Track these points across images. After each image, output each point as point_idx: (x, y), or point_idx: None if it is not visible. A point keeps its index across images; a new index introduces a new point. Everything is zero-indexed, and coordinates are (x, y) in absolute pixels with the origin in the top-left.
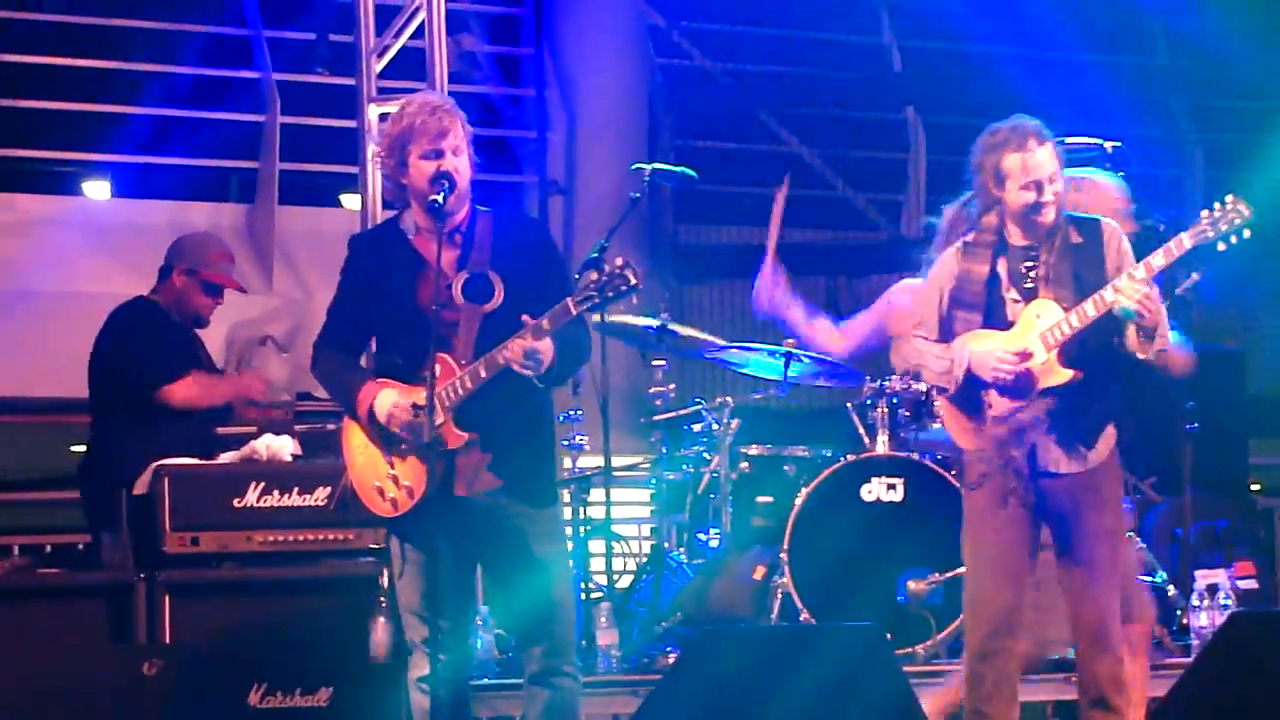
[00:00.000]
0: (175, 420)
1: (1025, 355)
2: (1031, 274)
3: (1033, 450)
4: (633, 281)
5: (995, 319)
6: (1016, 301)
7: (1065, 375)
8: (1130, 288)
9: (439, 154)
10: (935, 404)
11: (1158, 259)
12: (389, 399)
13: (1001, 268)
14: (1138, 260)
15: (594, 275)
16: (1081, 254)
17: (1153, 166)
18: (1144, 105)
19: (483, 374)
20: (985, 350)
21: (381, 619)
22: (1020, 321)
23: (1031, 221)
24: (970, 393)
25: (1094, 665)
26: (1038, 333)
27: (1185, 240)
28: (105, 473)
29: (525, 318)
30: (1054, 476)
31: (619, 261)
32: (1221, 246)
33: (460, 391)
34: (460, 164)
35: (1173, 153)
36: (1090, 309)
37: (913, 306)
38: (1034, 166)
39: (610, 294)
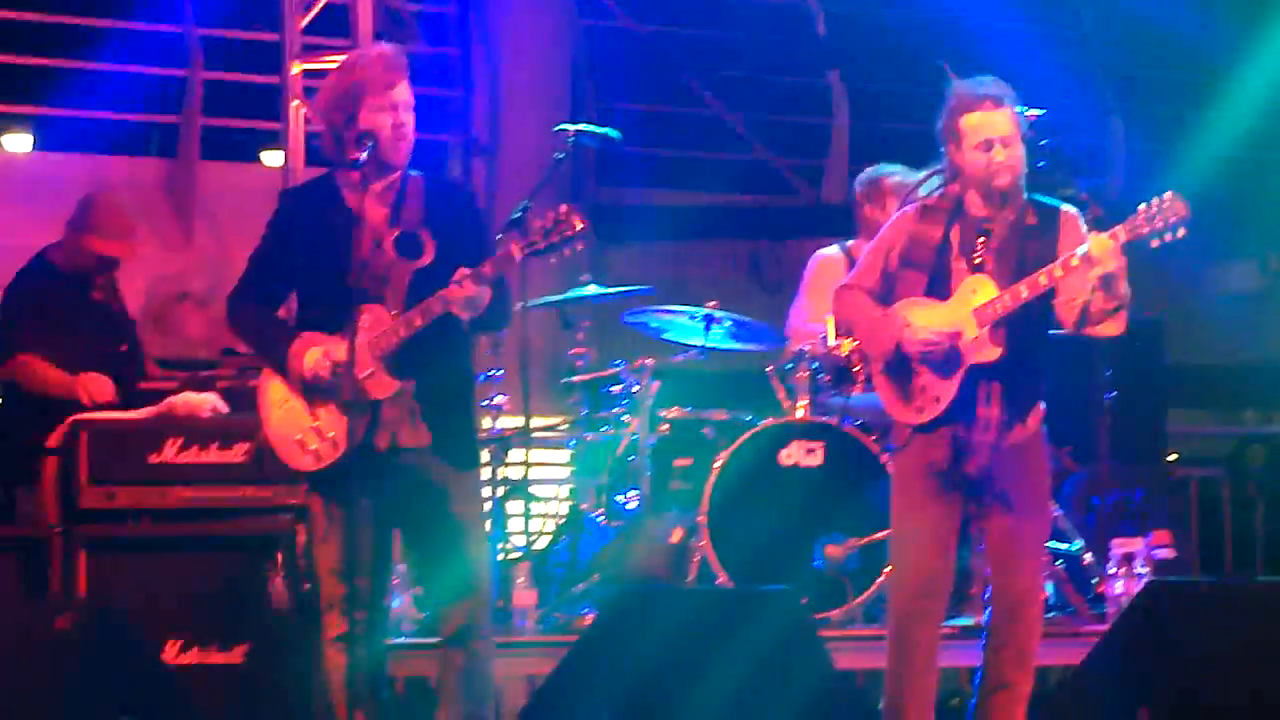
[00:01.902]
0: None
1: (955, 333)
2: (981, 246)
3: (960, 421)
4: (579, 228)
5: (939, 285)
6: (963, 271)
7: (994, 353)
8: (1105, 253)
9: (394, 107)
10: (855, 369)
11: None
12: (315, 353)
13: (954, 236)
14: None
15: (538, 221)
16: (1033, 235)
17: (1076, 136)
18: (1068, 74)
19: (418, 322)
20: (917, 324)
21: (279, 576)
22: (955, 296)
23: (989, 188)
24: (900, 363)
25: (1007, 636)
26: (971, 309)
27: (1121, 234)
28: (13, 429)
29: (462, 271)
30: (987, 451)
31: (563, 209)
32: (1155, 244)
33: (394, 339)
34: (410, 120)
35: (1096, 123)
36: (1024, 290)
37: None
38: (985, 126)
39: (556, 240)
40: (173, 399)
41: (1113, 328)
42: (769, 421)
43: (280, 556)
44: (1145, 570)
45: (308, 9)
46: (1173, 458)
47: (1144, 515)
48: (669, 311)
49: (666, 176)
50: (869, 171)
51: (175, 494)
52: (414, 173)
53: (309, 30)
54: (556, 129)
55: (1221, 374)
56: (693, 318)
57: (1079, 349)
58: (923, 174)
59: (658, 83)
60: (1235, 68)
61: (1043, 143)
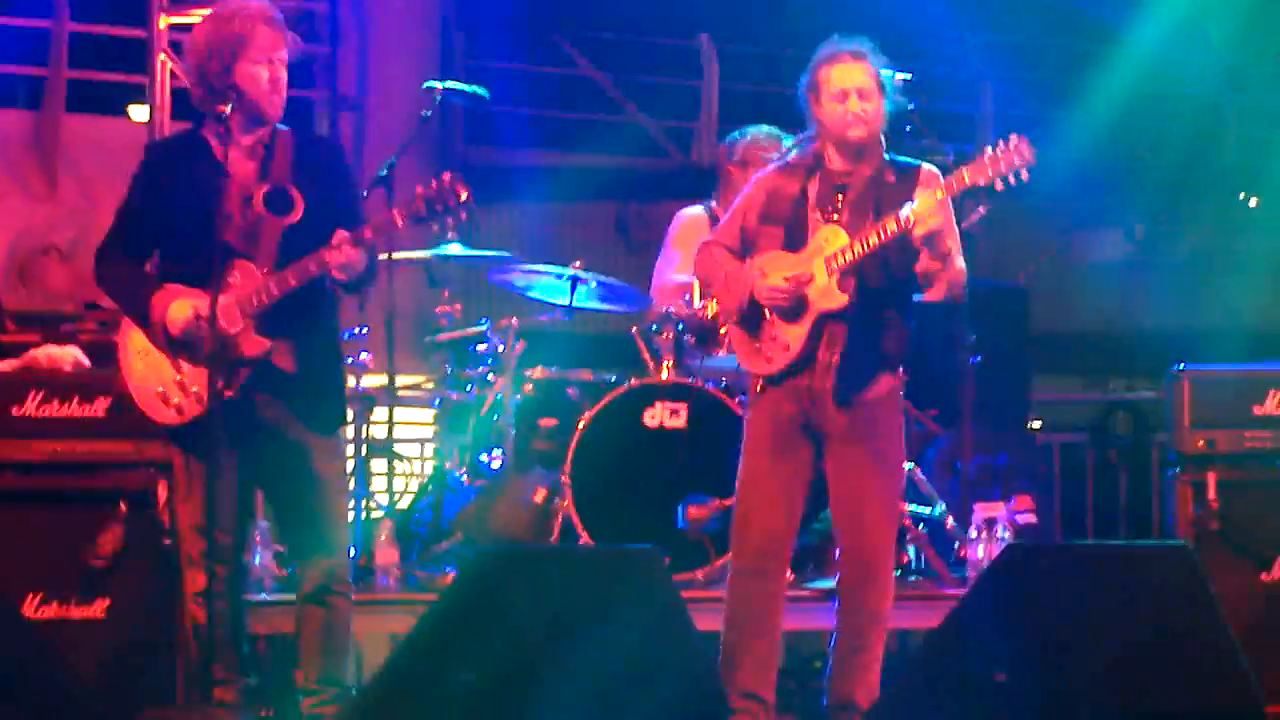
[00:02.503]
0: None
1: (803, 279)
2: (839, 200)
3: (811, 375)
4: (463, 197)
5: (796, 239)
6: (818, 223)
7: (841, 300)
8: (927, 211)
9: (271, 61)
10: (720, 331)
11: (938, 192)
12: (184, 307)
13: (812, 190)
14: None
15: (421, 189)
16: (890, 191)
17: (944, 101)
18: (940, 38)
19: (292, 281)
20: (767, 273)
21: (112, 523)
22: (808, 246)
23: (844, 140)
24: (753, 314)
25: (859, 597)
26: (822, 257)
27: (965, 175)
28: None
29: (341, 234)
30: (831, 402)
31: (447, 177)
32: (999, 186)
33: (265, 298)
34: (284, 76)
35: (967, 87)
36: (873, 237)
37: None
38: (840, 77)
39: (439, 208)
40: (34, 352)
41: (937, 291)
42: (634, 382)
43: (123, 508)
44: (1007, 535)
45: None
46: (1037, 424)
47: (1007, 480)
48: (535, 271)
49: (536, 136)
50: (736, 133)
51: (36, 447)
52: (282, 127)
53: None
54: (424, 86)
55: (1088, 341)
56: (559, 278)
57: (944, 314)
58: (791, 140)
59: (528, 41)
60: (1110, 34)
61: (911, 106)
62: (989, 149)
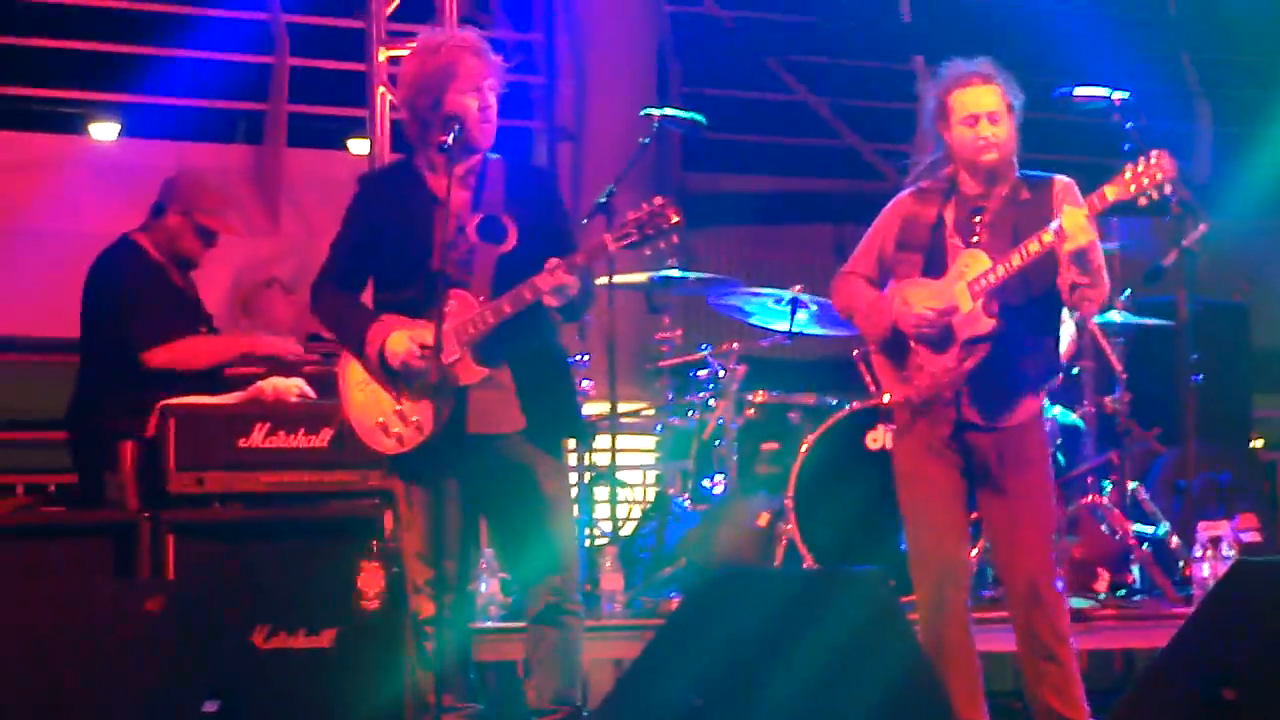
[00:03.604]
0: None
1: (949, 309)
2: (976, 224)
3: (958, 402)
4: (674, 220)
5: (935, 264)
6: (958, 248)
7: (988, 325)
8: (1077, 228)
9: (480, 90)
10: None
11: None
12: (402, 338)
13: (949, 215)
14: None
15: (633, 214)
16: (1026, 209)
17: (1161, 120)
18: (1153, 58)
19: (507, 309)
20: (911, 302)
21: (370, 563)
22: (950, 272)
23: (977, 166)
24: (897, 343)
25: (1030, 622)
26: (965, 283)
27: (1107, 193)
28: (90, 420)
29: (554, 260)
30: (977, 430)
31: (658, 201)
32: (1142, 202)
33: (481, 326)
34: (495, 104)
35: (1181, 106)
36: (1016, 258)
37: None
38: (970, 102)
39: (650, 232)
40: (260, 384)
41: (1089, 306)
42: (856, 405)
43: (375, 544)
44: (1231, 553)
45: None
46: (1259, 443)
47: (1230, 498)
48: (755, 295)
49: (751, 161)
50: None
51: (263, 479)
52: (493, 156)
53: (395, 17)
54: (642, 113)
55: None
56: (779, 302)
57: (1166, 333)
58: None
59: (742, 68)
60: None
61: (1129, 125)
62: (1131, 165)
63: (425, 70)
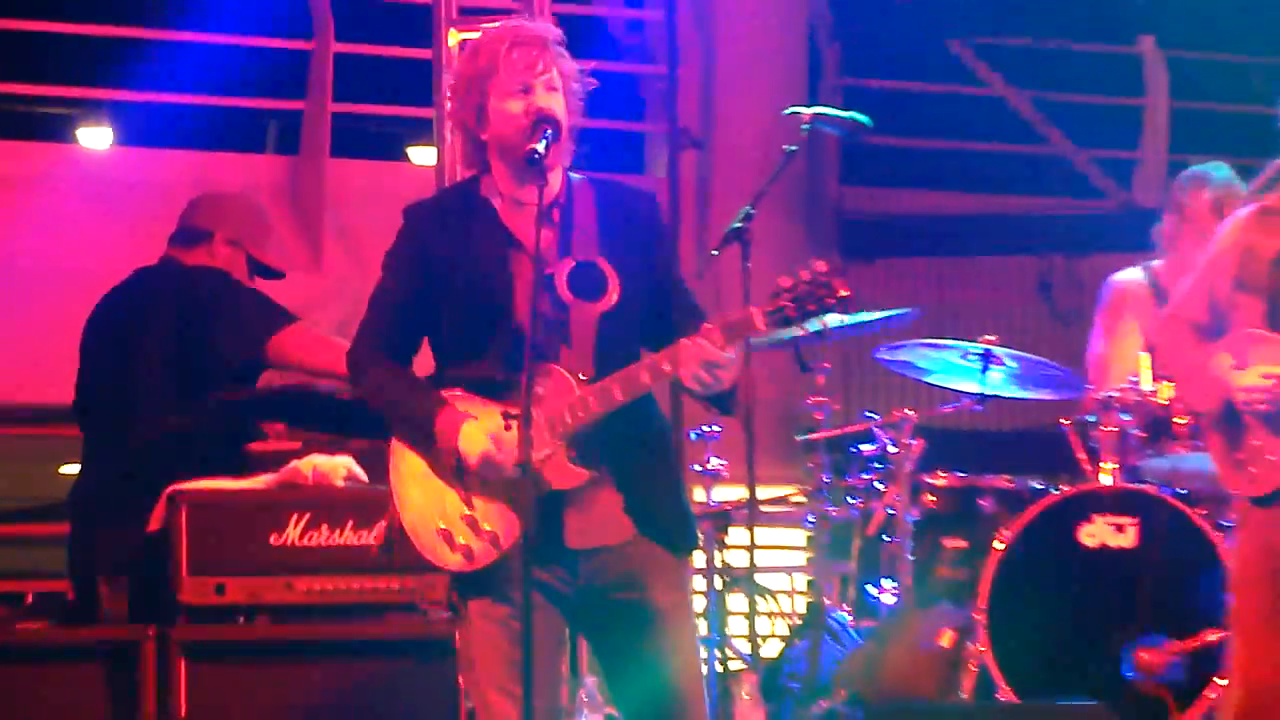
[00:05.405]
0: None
1: None
2: None
3: None
4: (842, 294)
5: None
6: None
7: None
8: None
9: (527, 88)
10: (1180, 422)
11: None
12: (481, 436)
13: None
14: None
15: (789, 282)
16: None
17: None
18: None
19: (619, 397)
20: (1248, 364)
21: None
22: None
23: None
24: (1232, 416)
25: None
26: None
27: None
28: (84, 508)
29: (691, 339)
30: None
31: (823, 267)
32: None
33: (583, 415)
34: (557, 103)
35: None
36: None
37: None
38: None
39: (812, 308)
40: (298, 463)
41: None
42: (1066, 490)
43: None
44: None
45: None
46: None
47: None
48: (935, 348)
49: (929, 174)
50: (1198, 170)
51: (300, 585)
52: (575, 176)
53: None
54: (787, 112)
55: None
56: (966, 356)
57: None
58: (1262, 173)
59: (917, 53)
60: None
61: None
62: None
63: (464, 77)
